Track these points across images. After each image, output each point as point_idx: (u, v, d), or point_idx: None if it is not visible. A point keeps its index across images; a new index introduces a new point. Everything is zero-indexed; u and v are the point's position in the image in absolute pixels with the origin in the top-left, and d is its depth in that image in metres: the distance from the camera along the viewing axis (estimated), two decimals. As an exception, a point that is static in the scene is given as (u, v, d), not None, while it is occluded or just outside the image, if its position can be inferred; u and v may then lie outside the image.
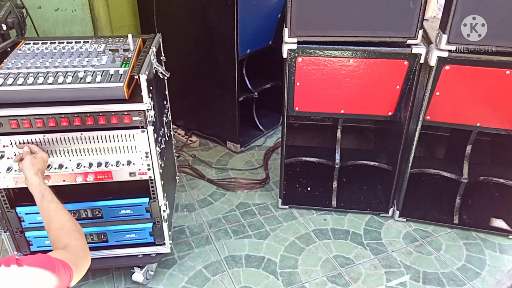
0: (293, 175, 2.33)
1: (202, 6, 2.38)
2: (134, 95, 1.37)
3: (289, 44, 1.70)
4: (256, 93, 2.68)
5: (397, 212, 2.04)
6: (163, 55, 1.80)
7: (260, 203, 2.16)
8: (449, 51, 1.60)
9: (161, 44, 1.78)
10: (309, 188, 2.25)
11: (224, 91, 2.52)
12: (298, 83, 1.84)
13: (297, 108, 1.96)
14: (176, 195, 2.07)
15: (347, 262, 1.77)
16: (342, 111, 1.95)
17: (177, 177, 2.15)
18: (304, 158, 2.11)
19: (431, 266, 1.75)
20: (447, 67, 1.64)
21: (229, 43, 2.31)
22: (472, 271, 1.74)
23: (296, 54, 1.73)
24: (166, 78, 1.71)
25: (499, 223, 1.98)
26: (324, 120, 2.41)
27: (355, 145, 2.37)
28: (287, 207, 2.13)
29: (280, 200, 2.12)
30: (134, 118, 1.35)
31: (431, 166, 2.01)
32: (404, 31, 1.63)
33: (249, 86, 2.69)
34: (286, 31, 1.67)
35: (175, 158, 2.14)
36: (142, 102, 1.32)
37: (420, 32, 1.63)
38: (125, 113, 1.34)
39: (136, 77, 1.31)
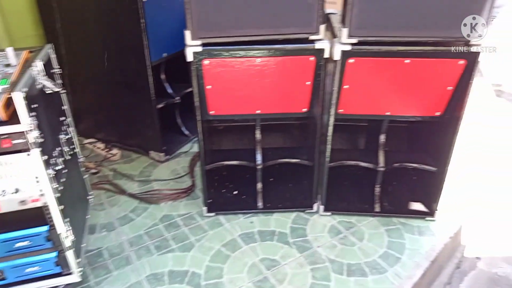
0: (220, 180, 2.27)
1: (107, 12, 2.24)
2: (16, 115, 1.22)
3: (193, 47, 1.63)
4: (178, 98, 2.58)
5: (322, 207, 2.05)
6: (58, 67, 1.65)
7: (185, 213, 2.07)
8: (352, 44, 1.62)
9: (53, 56, 1.63)
10: (235, 192, 2.20)
11: (140, 99, 2.40)
12: (209, 86, 1.78)
13: (212, 112, 1.90)
14: (89, 216, 1.92)
15: (273, 264, 1.75)
16: (258, 111, 1.91)
17: (90, 197, 2.00)
18: (225, 162, 2.06)
19: (355, 257, 1.78)
20: (351, 60, 1.66)
21: (139, 49, 2.19)
22: (393, 257, 1.78)
23: (202, 57, 1.66)
24: (62, 92, 1.56)
25: (417, 206, 2.06)
26: (248, 120, 2.36)
27: (280, 142, 2.35)
28: (213, 214, 2.07)
29: (205, 208, 2.05)
30: (15, 142, 1.21)
31: (350, 158, 2.04)
32: (306, 27, 1.62)
33: (170, 91, 2.59)
34: (187, 34, 1.60)
35: (87, 176, 1.99)
36: (22, 123, 1.18)
37: (322, 27, 1.63)
38: (4, 136, 1.20)
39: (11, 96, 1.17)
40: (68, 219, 1.42)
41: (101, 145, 2.65)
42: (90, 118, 2.72)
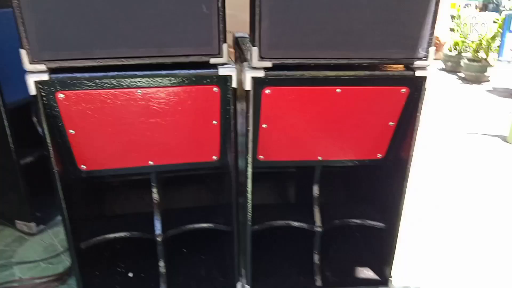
0: (110, 257, 1.68)
1: None
2: None
3: (34, 74, 1.10)
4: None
5: (247, 287, 1.54)
6: None
7: (52, 314, 1.44)
8: (266, 69, 1.20)
9: None
10: (130, 274, 1.61)
11: (-3, 153, 1.78)
12: (72, 131, 1.25)
13: (83, 167, 1.35)
14: None
15: None
16: (151, 163, 1.41)
17: None
18: (109, 236, 1.48)
19: None
20: (267, 91, 1.24)
21: None
22: None
23: (53, 88, 1.14)
24: None
25: (365, 272, 1.63)
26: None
27: (189, 201, 1.83)
28: (93, 311, 1.46)
29: (80, 304, 1.44)
30: None
31: (278, 216, 1.58)
32: (203, 46, 1.18)
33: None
34: (23, 54, 1.08)
35: None
36: None
37: (225, 46, 1.20)
38: None
39: None
40: None
41: None
42: None
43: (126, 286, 1.57)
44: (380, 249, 1.60)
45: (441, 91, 4.52)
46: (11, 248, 1.79)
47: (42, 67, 1.09)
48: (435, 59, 1.28)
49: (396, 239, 1.53)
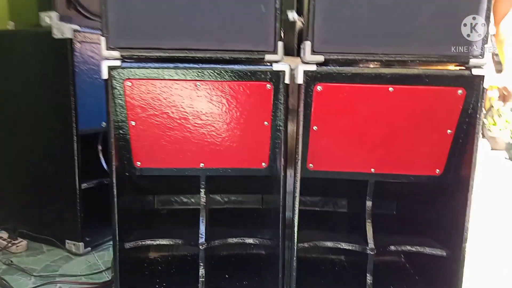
0: (152, 275, 1.62)
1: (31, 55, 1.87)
2: None
3: (109, 60, 1.24)
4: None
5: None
6: None
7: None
8: (318, 64, 1.25)
9: None
10: (167, 289, 1.54)
11: (61, 177, 1.88)
12: (133, 123, 1.33)
13: (138, 164, 1.40)
14: None
15: None
16: (202, 165, 1.43)
17: None
18: (155, 242, 1.46)
19: None
20: (318, 88, 1.27)
21: (64, 110, 1.79)
22: None
23: (123, 75, 1.25)
24: None
25: (428, 311, 1.42)
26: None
27: (236, 222, 1.79)
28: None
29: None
30: None
31: (327, 238, 1.47)
32: (260, 43, 1.27)
33: (106, 167, 2.10)
34: (102, 41, 1.22)
35: None
36: None
37: (281, 45, 1.28)
38: None
39: None
40: None
41: (4, 233, 2.01)
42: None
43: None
44: (441, 282, 1.40)
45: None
46: (57, 264, 1.80)
47: (116, 53, 1.22)
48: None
49: (462, 270, 1.35)
